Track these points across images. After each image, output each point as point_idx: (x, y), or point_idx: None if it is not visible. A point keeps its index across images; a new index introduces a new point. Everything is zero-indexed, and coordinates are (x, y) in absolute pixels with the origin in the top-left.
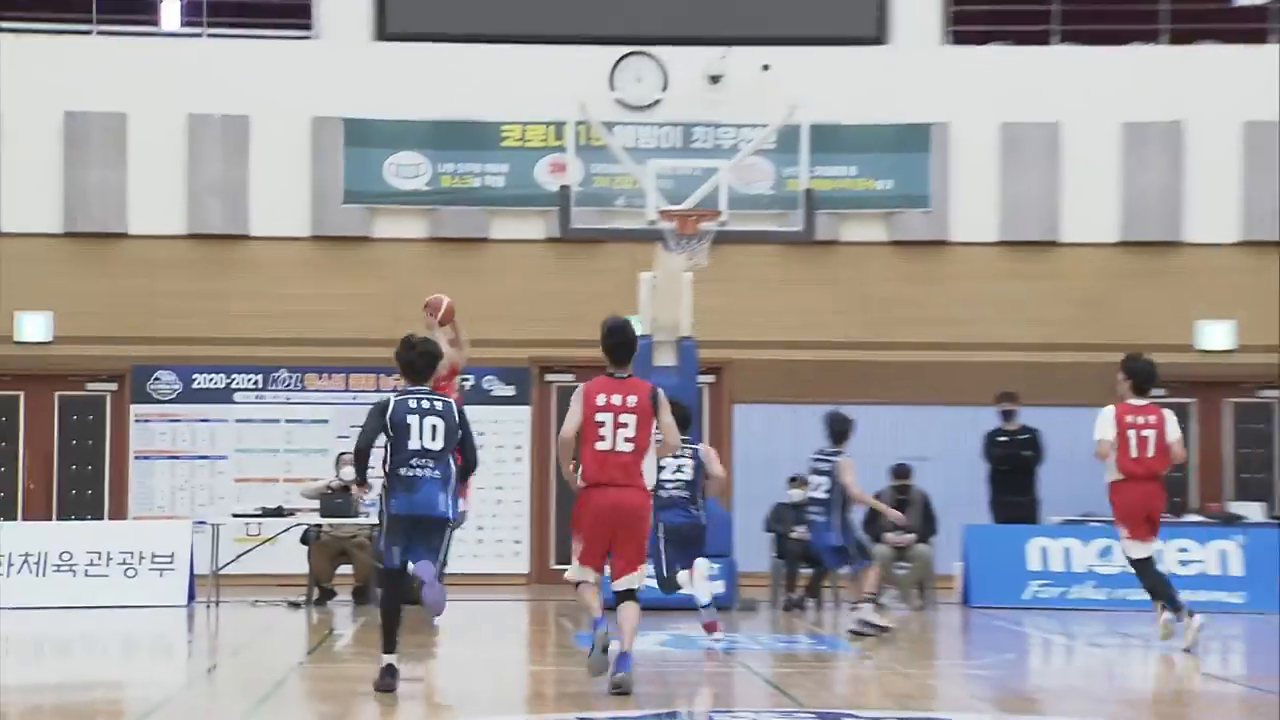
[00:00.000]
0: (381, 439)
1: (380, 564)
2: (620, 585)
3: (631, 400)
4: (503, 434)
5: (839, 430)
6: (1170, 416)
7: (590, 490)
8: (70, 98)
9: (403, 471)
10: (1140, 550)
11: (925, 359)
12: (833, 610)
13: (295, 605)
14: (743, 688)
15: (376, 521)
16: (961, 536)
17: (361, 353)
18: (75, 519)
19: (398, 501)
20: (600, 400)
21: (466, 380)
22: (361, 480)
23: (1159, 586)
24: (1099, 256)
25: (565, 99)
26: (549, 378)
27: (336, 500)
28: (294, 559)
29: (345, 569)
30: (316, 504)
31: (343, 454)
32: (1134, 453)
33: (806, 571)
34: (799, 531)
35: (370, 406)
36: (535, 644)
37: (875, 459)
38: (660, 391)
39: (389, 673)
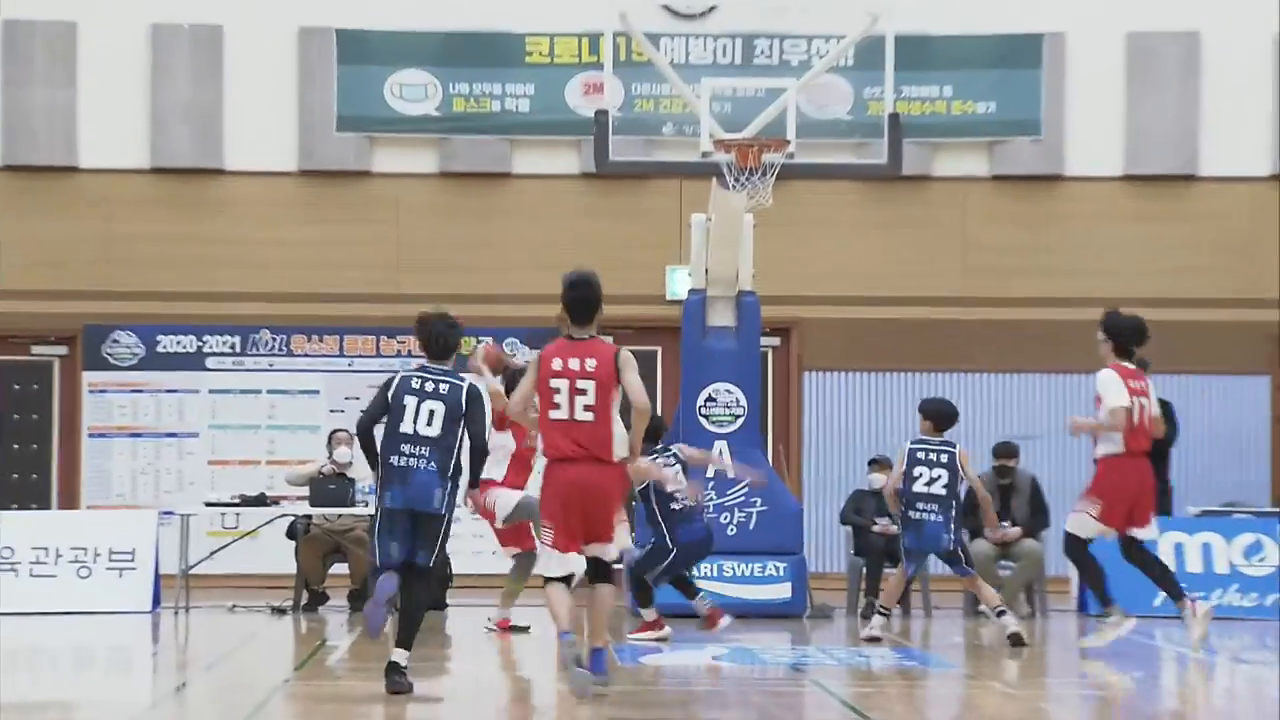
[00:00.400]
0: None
1: (375, 561)
2: (590, 552)
3: (591, 364)
4: None
5: (950, 414)
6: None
7: (551, 467)
8: (9, 4)
9: (393, 460)
10: (1095, 531)
11: (1035, 317)
12: (922, 618)
13: (280, 611)
14: (815, 711)
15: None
16: None
17: (359, 310)
18: (17, 509)
19: (391, 494)
20: (556, 364)
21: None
22: (372, 465)
23: (1093, 573)
24: (1247, 194)
25: (602, 6)
26: None
27: (330, 486)
28: (279, 556)
29: (339, 568)
30: (305, 491)
31: (336, 431)
32: (1135, 421)
33: (891, 571)
34: (882, 524)
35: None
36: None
37: (974, 436)
38: (625, 352)
39: (394, 670)
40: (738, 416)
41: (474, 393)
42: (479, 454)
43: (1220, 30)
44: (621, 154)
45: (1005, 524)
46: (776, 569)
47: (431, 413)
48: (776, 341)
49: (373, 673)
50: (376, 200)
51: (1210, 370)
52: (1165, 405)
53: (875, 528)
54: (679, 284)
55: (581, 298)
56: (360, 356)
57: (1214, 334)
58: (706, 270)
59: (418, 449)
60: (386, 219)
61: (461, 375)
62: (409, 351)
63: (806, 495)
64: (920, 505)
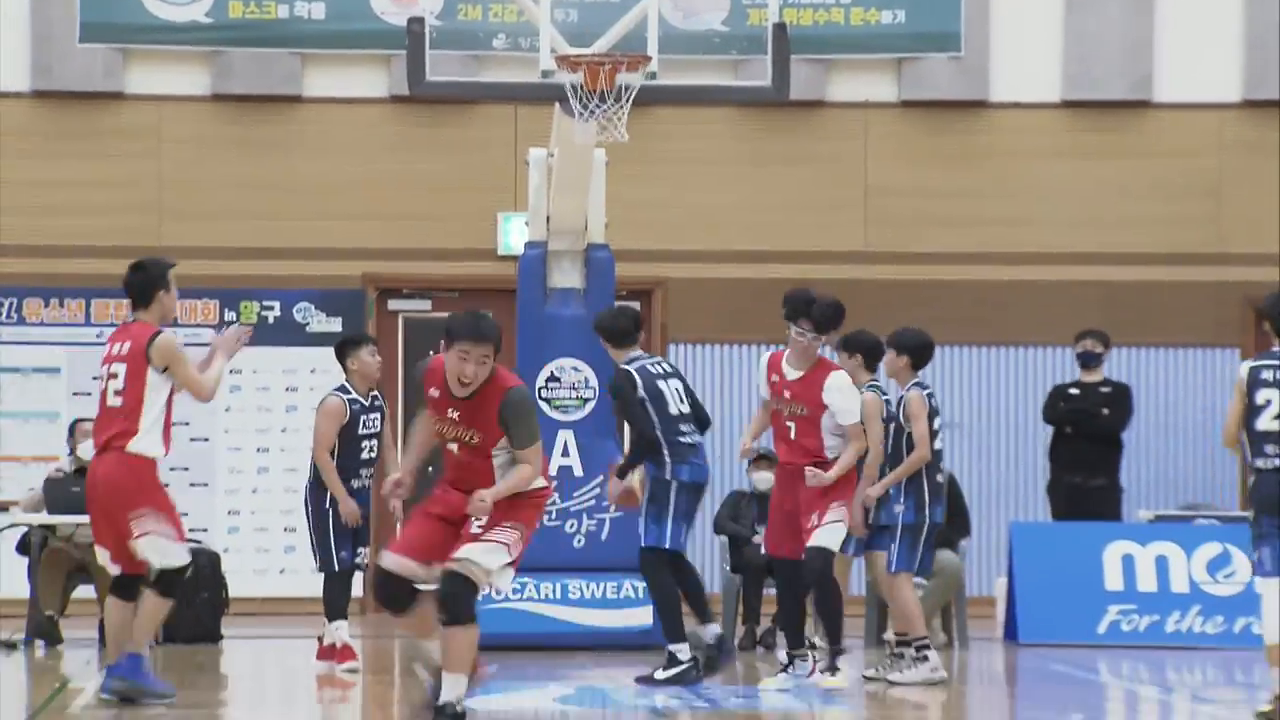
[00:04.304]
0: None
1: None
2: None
3: (125, 347)
4: (325, 389)
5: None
6: None
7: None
8: None
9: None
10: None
11: (953, 277)
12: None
13: (11, 646)
14: None
15: None
16: (1006, 539)
17: (110, 266)
18: None
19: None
20: (105, 352)
21: (269, 309)
22: None
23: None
24: (1213, 124)
25: None
26: (392, 304)
27: (73, 489)
28: (9, 577)
29: (85, 591)
30: (41, 494)
31: (81, 421)
32: None
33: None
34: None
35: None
36: (374, 701)
37: None
38: (160, 339)
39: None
40: (587, 400)
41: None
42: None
43: None
44: (442, 73)
45: None
46: (634, 590)
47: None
48: (636, 307)
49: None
50: (132, 129)
51: (1167, 342)
52: (1118, 387)
53: (758, 538)
54: (514, 236)
55: (128, 280)
56: (112, 325)
57: (1172, 297)
58: (548, 219)
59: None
60: (145, 153)
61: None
62: (175, 320)
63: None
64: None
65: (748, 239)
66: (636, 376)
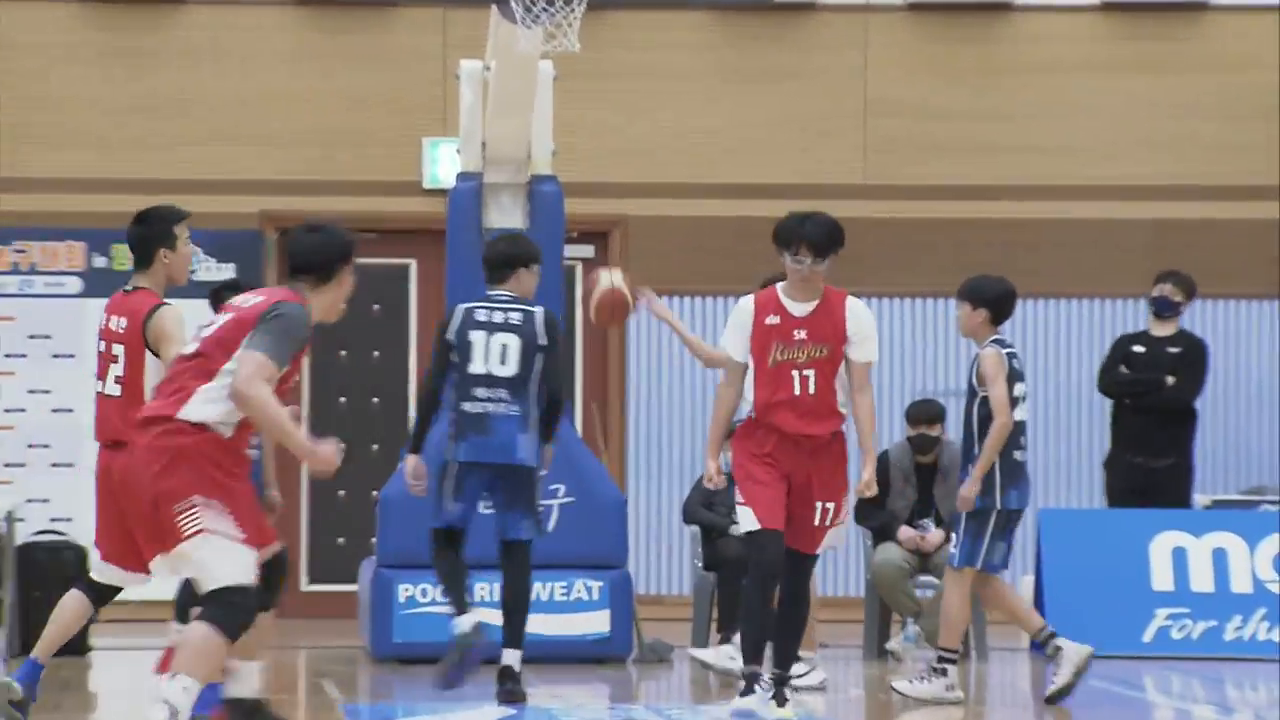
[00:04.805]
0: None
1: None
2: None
3: (124, 324)
4: None
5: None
6: None
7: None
8: None
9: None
10: None
11: (972, 214)
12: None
13: None
14: None
15: None
16: (1034, 529)
17: None
18: None
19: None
20: (102, 323)
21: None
22: None
23: None
24: None
25: None
26: None
27: None
28: None
29: None
30: None
31: None
32: None
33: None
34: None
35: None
36: None
37: (884, 389)
38: (158, 316)
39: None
40: None
41: None
42: None
43: None
44: None
45: (925, 522)
46: (588, 590)
47: None
48: (589, 251)
49: None
50: None
51: (1226, 292)
52: (1191, 343)
53: (734, 529)
54: (442, 166)
55: (128, 234)
56: None
57: (1233, 238)
58: (484, 145)
59: None
60: (8, 69)
61: None
62: (32, 266)
63: (632, 481)
64: None
65: (723, 170)
66: (457, 317)
